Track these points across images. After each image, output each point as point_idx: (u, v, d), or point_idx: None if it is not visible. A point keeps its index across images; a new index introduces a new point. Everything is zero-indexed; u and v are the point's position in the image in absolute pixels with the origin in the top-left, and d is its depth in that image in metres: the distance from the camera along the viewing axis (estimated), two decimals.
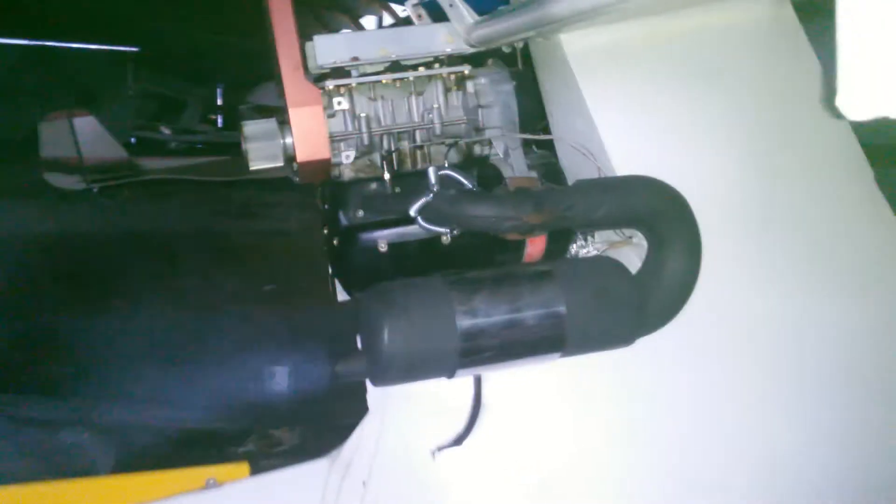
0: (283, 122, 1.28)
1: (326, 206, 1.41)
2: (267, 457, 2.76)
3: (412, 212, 1.14)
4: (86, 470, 2.35)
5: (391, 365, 1.04)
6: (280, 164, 1.29)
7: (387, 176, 1.27)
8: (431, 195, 1.10)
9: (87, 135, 4.74)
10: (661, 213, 1.15)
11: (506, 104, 1.34)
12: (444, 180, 1.13)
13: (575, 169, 1.36)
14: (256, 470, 1.49)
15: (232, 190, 4.51)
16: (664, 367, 1.29)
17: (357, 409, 1.47)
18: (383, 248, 1.27)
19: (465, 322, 1.04)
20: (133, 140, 5.40)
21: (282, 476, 1.46)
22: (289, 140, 1.27)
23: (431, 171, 1.13)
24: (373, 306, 1.06)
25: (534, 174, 1.32)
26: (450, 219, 1.12)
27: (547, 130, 1.39)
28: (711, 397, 1.34)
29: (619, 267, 1.15)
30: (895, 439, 1.40)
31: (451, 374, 1.07)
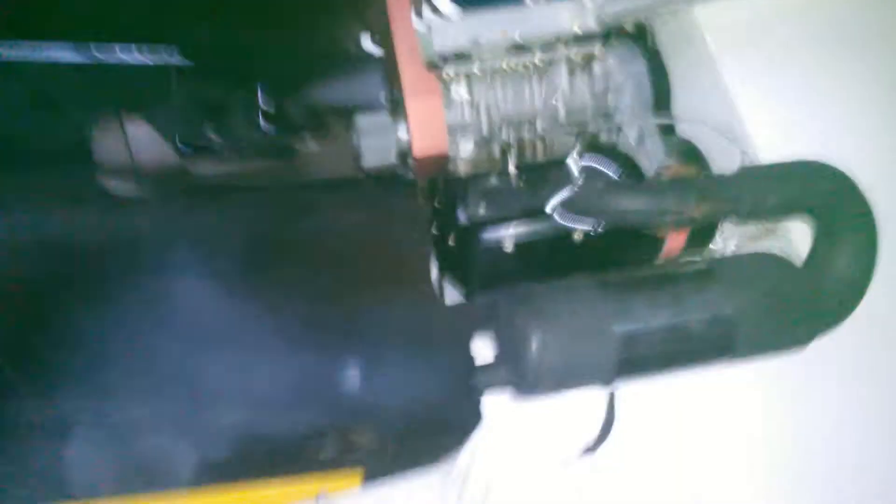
0: (396, 115, 1.18)
1: (438, 204, 1.30)
2: (345, 462, 2.70)
3: (549, 207, 1.03)
4: (168, 480, 2.29)
5: (541, 378, 0.93)
6: (393, 160, 1.19)
7: (512, 168, 1.16)
8: (576, 188, 0.99)
9: (141, 141, 4.74)
10: (835, 201, 1.02)
11: (638, 85, 1.21)
12: (586, 171, 1.02)
13: (710, 157, 1.24)
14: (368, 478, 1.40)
15: (286, 194, 4.48)
16: (826, 374, 1.16)
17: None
18: (509, 247, 1.16)
19: (623, 328, 0.93)
20: (183, 148, 5.41)
21: (397, 486, 1.36)
22: (402, 134, 1.17)
23: (572, 161, 1.01)
24: (517, 313, 0.95)
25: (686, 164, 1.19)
26: (596, 213, 1.00)
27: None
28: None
29: (785, 263, 1.03)
30: None
31: (607, 385, 0.96)
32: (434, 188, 1.30)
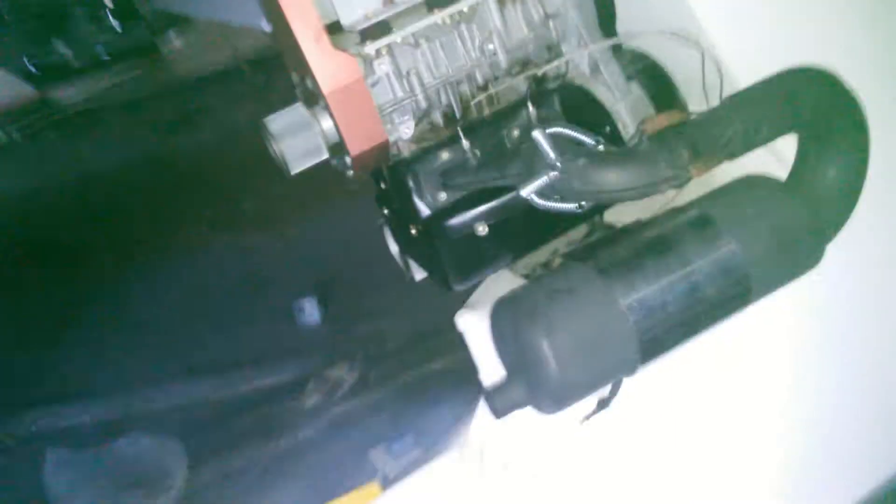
0: (312, 104, 1.00)
1: (384, 187, 1.15)
2: (335, 403, 2.67)
3: (524, 193, 0.90)
4: (160, 480, 2.23)
5: (566, 394, 0.86)
6: (325, 156, 1.02)
7: (465, 144, 1.01)
8: (555, 172, 0.86)
9: None
10: (824, 109, 0.92)
11: (579, 6, 1.04)
12: (557, 142, 0.88)
13: (671, 67, 1.11)
14: (385, 483, 1.37)
15: (163, 102, 4.10)
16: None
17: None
18: (482, 230, 1.03)
19: (638, 315, 0.85)
20: (35, 71, 4.75)
21: (417, 482, 1.33)
22: (327, 125, 0.99)
23: (540, 135, 0.87)
24: (524, 329, 0.85)
25: (641, 97, 1.06)
26: (583, 195, 0.88)
27: None
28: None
29: (777, 186, 0.95)
30: None
31: (632, 374, 0.90)
32: (377, 171, 1.14)
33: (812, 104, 0.92)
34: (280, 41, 1.02)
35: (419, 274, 1.30)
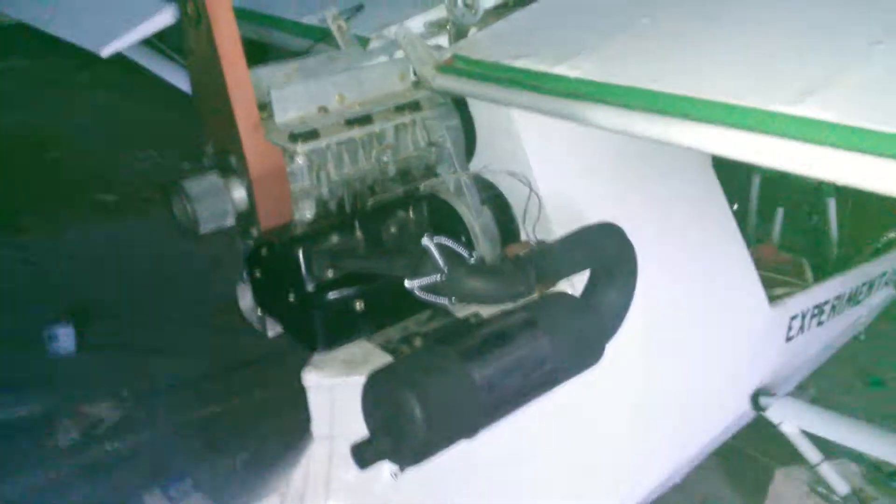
0: (227, 176, 1.13)
1: (265, 254, 1.29)
2: (97, 441, 2.47)
3: (411, 286, 1.13)
4: None
5: (428, 449, 1.08)
6: (232, 223, 1.15)
7: (359, 234, 1.21)
8: (443, 276, 1.10)
9: None
10: (615, 253, 1.30)
11: (456, 139, 1.32)
12: (442, 251, 1.13)
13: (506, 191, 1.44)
14: None
15: None
16: None
17: None
18: (360, 307, 1.24)
19: (486, 395, 1.11)
20: None
21: None
22: (239, 195, 1.13)
23: (430, 244, 1.12)
24: (403, 395, 1.07)
25: (489, 219, 1.36)
26: (457, 295, 1.14)
27: None
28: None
29: (579, 304, 1.30)
30: None
31: (473, 436, 1.15)
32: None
33: (607, 249, 1.29)
34: (206, 113, 1.14)
35: (273, 331, 1.44)
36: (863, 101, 0.81)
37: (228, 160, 1.12)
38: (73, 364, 2.87)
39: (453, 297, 1.15)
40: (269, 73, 1.20)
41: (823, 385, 3.19)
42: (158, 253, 4.19)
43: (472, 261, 1.15)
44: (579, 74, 1.04)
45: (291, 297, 1.26)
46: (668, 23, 1.15)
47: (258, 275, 1.36)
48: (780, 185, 2.97)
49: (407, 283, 1.14)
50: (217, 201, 1.11)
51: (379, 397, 1.12)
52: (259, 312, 1.42)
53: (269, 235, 1.20)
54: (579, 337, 1.25)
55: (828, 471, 2.18)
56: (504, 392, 1.14)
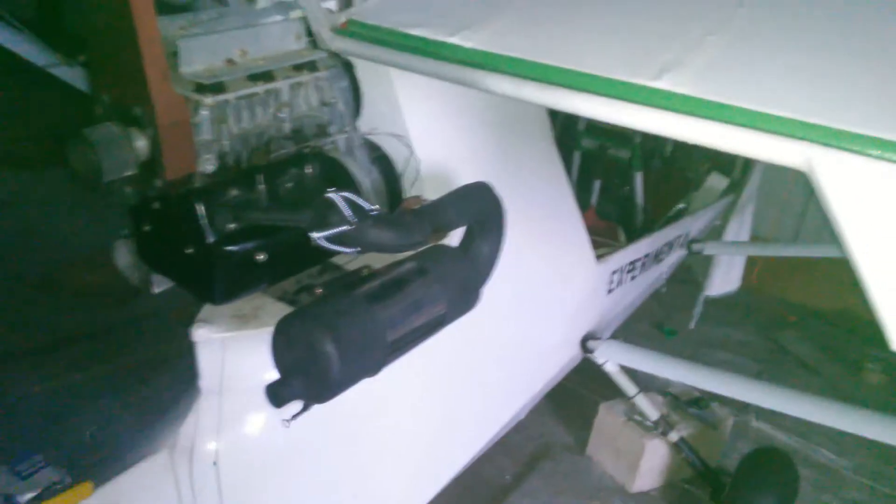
0: (128, 125, 1.13)
1: (157, 207, 1.29)
2: None
3: (318, 237, 1.21)
4: None
5: (340, 386, 1.18)
6: (133, 171, 1.15)
7: (261, 186, 1.26)
8: (351, 226, 1.19)
9: None
10: (489, 209, 1.47)
11: (346, 101, 1.40)
12: (347, 203, 1.22)
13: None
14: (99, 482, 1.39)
15: None
16: None
17: None
18: (262, 257, 1.29)
19: (390, 333, 1.23)
20: None
21: (128, 481, 1.40)
22: (140, 144, 1.14)
23: (337, 197, 1.20)
24: (315, 333, 1.15)
25: (377, 178, 1.45)
26: (362, 245, 1.23)
27: None
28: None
29: (459, 255, 1.45)
30: None
31: (377, 373, 1.26)
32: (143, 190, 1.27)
33: (484, 205, 1.45)
34: (103, 64, 1.13)
35: (159, 287, 1.43)
36: (704, 78, 1.03)
37: (131, 110, 1.12)
38: None
39: (358, 247, 1.24)
40: (164, 24, 1.20)
41: (628, 336, 3.68)
42: None
43: (373, 214, 1.25)
44: (473, 45, 1.18)
45: (190, 250, 1.27)
46: (539, 3, 1.32)
47: (147, 228, 1.35)
48: (597, 160, 3.37)
49: (314, 235, 1.21)
50: (120, 150, 1.11)
51: (292, 339, 1.19)
52: (133, 269, 1.41)
53: (167, 188, 1.20)
54: (462, 283, 1.40)
55: (641, 401, 2.57)
56: (404, 332, 1.27)
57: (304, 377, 1.18)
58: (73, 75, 2.81)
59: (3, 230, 3.87)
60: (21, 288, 3.32)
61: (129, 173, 1.14)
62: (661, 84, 1.01)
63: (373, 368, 1.24)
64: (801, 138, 0.93)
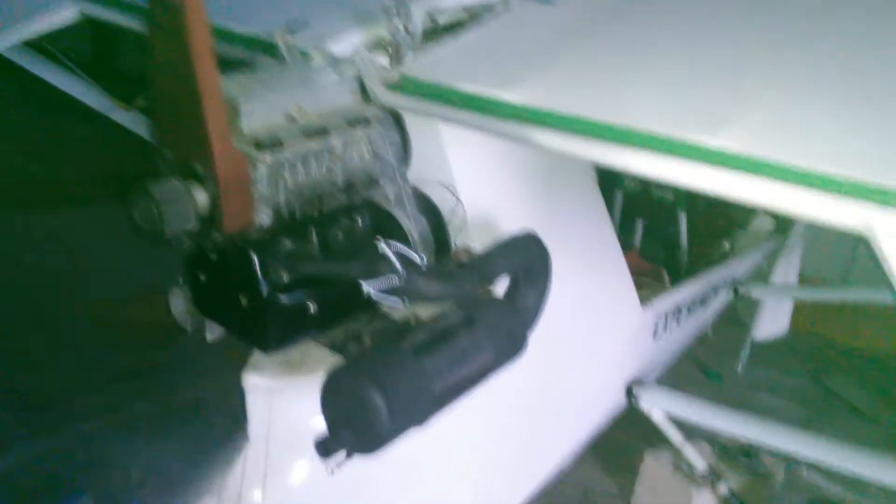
0: (188, 179, 1.17)
1: (215, 258, 1.33)
2: None
3: (368, 289, 1.23)
4: None
5: (388, 438, 1.18)
6: (195, 224, 1.19)
7: (314, 238, 1.29)
8: (402, 280, 1.21)
9: None
10: (536, 259, 1.47)
11: (396, 152, 1.43)
12: (398, 255, 1.24)
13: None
14: None
15: None
16: None
17: None
18: (313, 309, 1.31)
19: (437, 385, 1.24)
20: None
21: None
22: (201, 199, 1.18)
23: (387, 249, 1.22)
24: (364, 388, 1.16)
25: (426, 228, 1.47)
26: (411, 296, 1.25)
27: None
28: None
29: (506, 305, 1.46)
30: None
31: (424, 424, 1.26)
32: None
33: (530, 255, 1.46)
34: (166, 121, 1.17)
35: (212, 333, 1.47)
36: (758, 135, 1.02)
37: (193, 166, 1.16)
38: None
39: (407, 299, 1.26)
40: (225, 82, 1.24)
41: (671, 379, 3.61)
42: (11, 260, 3.87)
43: (423, 265, 1.26)
44: (523, 100, 1.20)
45: (244, 300, 1.30)
46: (590, 57, 1.34)
47: (202, 278, 1.39)
48: (639, 200, 3.35)
49: (364, 286, 1.23)
50: (182, 205, 1.15)
51: (342, 392, 1.20)
52: (188, 315, 1.45)
53: (225, 240, 1.24)
54: (509, 333, 1.40)
55: (689, 450, 2.51)
56: (451, 383, 1.27)
57: (353, 429, 1.19)
58: (130, 119, 2.92)
59: (55, 267, 4.01)
60: (71, 325, 3.42)
61: (189, 226, 1.18)
62: (716, 141, 1.01)
63: (420, 420, 1.24)
64: (860, 199, 0.91)
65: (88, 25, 2.07)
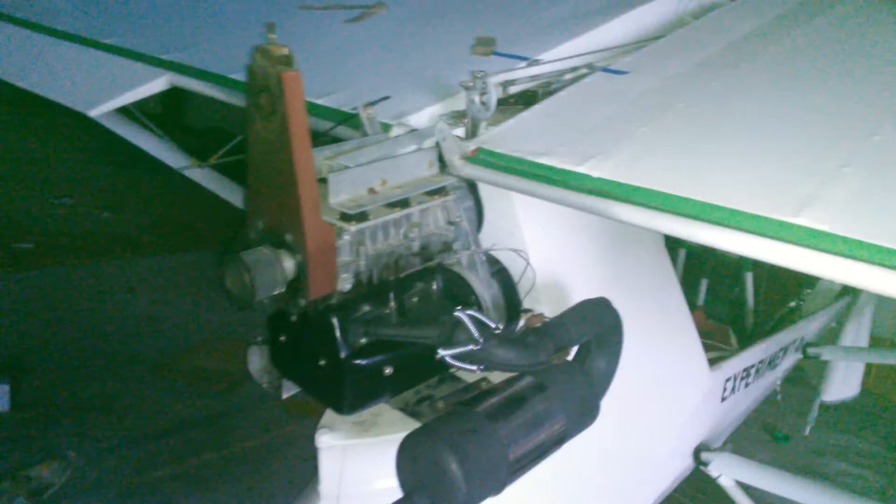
0: (277, 248, 1.23)
1: (297, 320, 1.37)
2: None
3: (445, 355, 1.25)
4: None
5: None
6: (282, 290, 1.24)
7: (392, 304, 1.33)
8: (478, 345, 1.23)
9: None
10: (610, 325, 1.47)
11: (470, 219, 1.47)
12: (474, 322, 1.26)
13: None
14: None
15: None
16: None
17: None
18: (388, 371, 1.34)
19: (512, 451, 1.24)
20: None
21: None
22: (288, 265, 1.23)
23: (465, 317, 1.24)
24: (441, 453, 1.17)
25: (497, 292, 1.50)
26: (486, 363, 1.26)
27: None
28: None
29: (577, 370, 1.46)
30: None
31: (499, 493, 1.26)
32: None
33: (603, 321, 1.46)
34: (260, 193, 1.24)
35: (287, 392, 1.51)
36: (844, 213, 1.02)
37: (283, 236, 1.22)
38: (8, 423, 2.72)
39: (483, 365, 1.28)
40: (316, 156, 1.31)
41: (737, 440, 3.49)
42: (85, 306, 4.05)
43: (498, 332, 1.28)
44: (601, 174, 1.22)
45: (323, 362, 1.34)
46: (667, 129, 1.36)
47: (283, 338, 1.43)
48: (703, 259, 3.31)
49: (441, 352, 1.25)
50: (272, 272, 1.20)
51: (417, 456, 1.21)
52: (265, 374, 1.49)
53: (308, 305, 1.28)
54: (581, 399, 1.40)
55: None
56: (525, 450, 1.27)
57: (429, 497, 1.19)
58: (203, 176, 3.05)
59: (125, 315, 4.18)
60: (138, 372, 3.55)
61: (276, 292, 1.23)
62: (801, 221, 1.01)
63: (496, 488, 1.24)
64: None
65: None
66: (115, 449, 2.65)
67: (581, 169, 1.25)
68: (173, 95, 8.02)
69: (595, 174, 1.23)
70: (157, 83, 2.09)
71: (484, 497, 1.23)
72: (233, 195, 2.84)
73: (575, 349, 1.48)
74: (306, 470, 1.53)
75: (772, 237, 1.02)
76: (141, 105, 2.57)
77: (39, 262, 4.59)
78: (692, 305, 3.20)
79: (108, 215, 5.75)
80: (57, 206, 5.75)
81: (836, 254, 0.97)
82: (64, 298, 4.01)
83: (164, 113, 7.45)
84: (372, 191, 1.28)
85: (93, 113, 2.04)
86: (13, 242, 4.74)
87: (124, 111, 2.70)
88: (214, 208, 2.58)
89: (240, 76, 1.91)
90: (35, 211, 5.48)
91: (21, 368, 2.98)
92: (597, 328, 1.44)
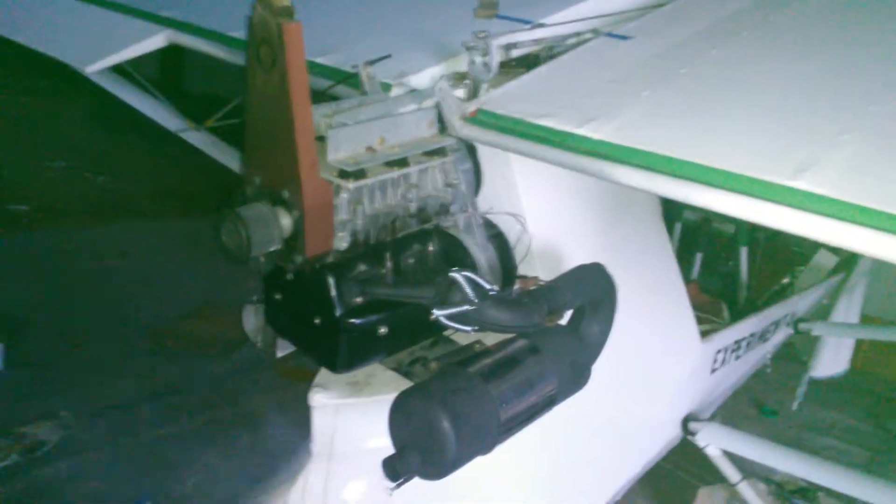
0: (275, 205, 1.22)
1: (293, 278, 1.38)
2: (39, 464, 2.33)
3: (439, 314, 1.25)
4: None
5: (455, 465, 1.20)
6: (278, 246, 1.24)
7: (389, 264, 1.33)
8: (473, 306, 1.23)
9: None
10: (602, 289, 1.48)
11: (468, 182, 1.47)
12: (468, 282, 1.26)
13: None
14: None
15: None
16: None
17: None
18: (383, 331, 1.34)
19: (503, 412, 1.25)
20: None
21: None
22: (285, 223, 1.23)
23: (460, 277, 1.25)
24: (433, 411, 1.18)
25: (493, 255, 1.50)
26: (480, 324, 1.27)
27: None
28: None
29: (572, 334, 1.47)
30: None
31: (490, 451, 1.28)
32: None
33: (596, 286, 1.47)
34: (258, 149, 1.23)
35: (282, 351, 1.52)
36: (843, 178, 1.02)
37: (280, 193, 1.21)
38: (2, 381, 2.74)
39: (476, 326, 1.28)
40: (314, 113, 1.30)
41: (725, 413, 3.53)
42: (79, 269, 4.05)
43: (492, 293, 1.29)
44: (602, 137, 1.22)
45: (318, 321, 1.35)
46: (668, 93, 1.35)
47: (278, 297, 1.44)
48: (698, 233, 3.32)
49: (435, 312, 1.26)
50: (269, 229, 1.20)
51: (411, 415, 1.22)
52: (259, 333, 1.50)
53: (303, 262, 1.28)
54: (573, 363, 1.41)
55: (745, 489, 2.45)
56: (517, 411, 1.28)
57: (421, 453, 1.21)
58: (199, 139, 3.03)
59: (120, 278, 4.18)
60: (132, 336, 3.56)
61: (273, 249, 1.23)
62: (800, 184, 1.01)
63: (486, 447, 1.26)
64: None
65: None
66: (109, 409, 2.66)
67: (581, 131, 1.24)
68: (171, 59, 7.93)
69: (595, 136, 1.23)
70: (156, 40, 2.07)
71: (474, 455, 1.25)
72: (230, 159, 2.82)
73: (569, 314, 1.50)
74: (300, 433, 1.54)
75: (769, 200, 1.02)
76: (139, 68, 2.53)
77: (34, 225, 4.58)
78: (686, 279, 3.22)
79: (103, 179, 5.72)
80: (51, 168, 5.72)
81: (832, 217, 0.98)
82: (59, 261, 4.00)
83: (162, 77, 7.38)
84: (370, 149, 1.27)
85: (89, 69, 2.02)
86: (7, 204, 4.72)
87: (122, 72, 2.67)
88: (211, 174, 2.56)
89: (240, 34, 1.89)
90: (30, 173, 5.45)
91: (15, 328, 2.98)
92: (591, 293, 1.45)
